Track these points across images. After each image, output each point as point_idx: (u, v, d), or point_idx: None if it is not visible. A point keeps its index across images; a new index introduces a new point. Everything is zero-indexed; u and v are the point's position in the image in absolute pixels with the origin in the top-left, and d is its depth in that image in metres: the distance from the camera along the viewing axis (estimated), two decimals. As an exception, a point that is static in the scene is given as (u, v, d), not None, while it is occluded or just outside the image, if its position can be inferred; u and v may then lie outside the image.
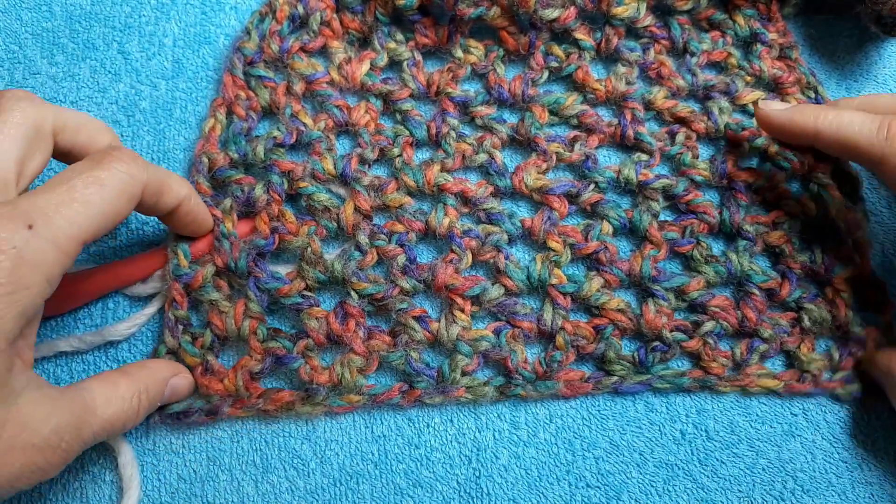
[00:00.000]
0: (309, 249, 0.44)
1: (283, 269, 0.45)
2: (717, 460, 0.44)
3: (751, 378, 0.44)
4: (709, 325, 0.44)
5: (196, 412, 0.42)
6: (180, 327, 0.43)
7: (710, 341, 0.44)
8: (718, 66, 0.51)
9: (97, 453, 0.43)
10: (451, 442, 0.44)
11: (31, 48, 0.51)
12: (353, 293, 0.43)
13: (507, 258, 0.45)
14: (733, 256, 0.45)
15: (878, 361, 0.43)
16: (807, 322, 0.44)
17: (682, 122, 0.49)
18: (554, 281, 0.44)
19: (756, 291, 0.44)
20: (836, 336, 0.45)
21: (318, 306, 0.43)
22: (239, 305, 0.43)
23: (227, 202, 0.45)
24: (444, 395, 0.43)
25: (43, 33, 0.51)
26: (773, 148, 0.47)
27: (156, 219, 0.47)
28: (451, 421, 0.44)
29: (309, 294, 0.44)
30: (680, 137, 0.48)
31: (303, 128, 0.47)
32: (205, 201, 0.44)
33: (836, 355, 0.44)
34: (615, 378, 0.43)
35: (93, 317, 0.45)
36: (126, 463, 0.41)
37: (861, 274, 0.45)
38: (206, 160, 0.46)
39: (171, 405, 0.42)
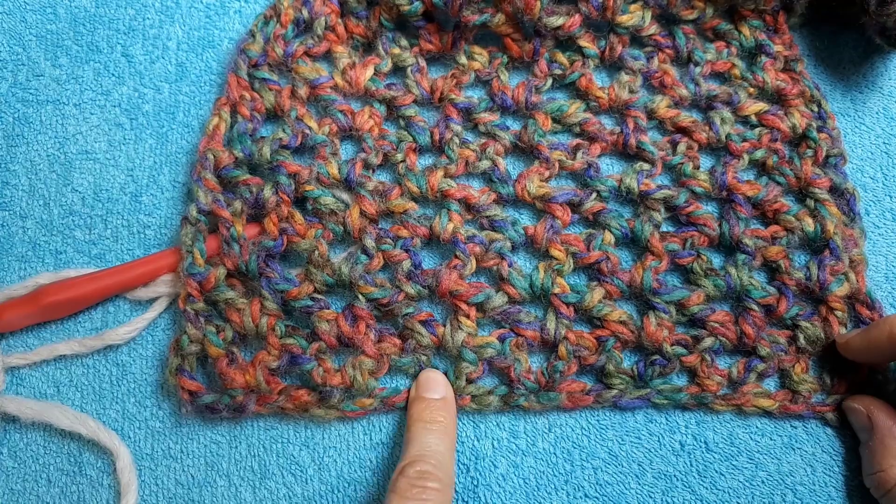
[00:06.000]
0: (316, 252, 0.44)
1: (292, 272, 0.45)
2: (716, 472, 0.44)
3: (747, 397, 0.43)
4: (708, 342, 0.44)
5: (224, 408, 0.41)
6: (202, 319, 0.43)
7: (708, 357, 0.44)
8: (722, 77, 0.51)
9: (95, 457, 0.43)
10: (449, 450, 0.44)
11: (35, 50, 0.51)
12: (360, 296, 0.43)
13: (510, 265, 0.45)
14: (732, 270, 0.44)
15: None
16: (802, 341, 0.44)
17: (684, 131, 0.48)
18: (556, 290, 0.44)
19: (755, 307, 0.44)
20: (828, 356, 0.44)
21: (328, 309, 0.43)
22: (255, 303, 0.43)
23: (238, 205, 0.44)
24: None
25: (47, 35, 0.51)
26: (771, 161, 0.47)
27: (157, 223, 0.47)
28: (450, 429, 0.44)
29: (319, 297, 0.44)
30: (681, 147, 0.48)
31: (308, 131, 0.47)
32: (214, 199, 0.44)
33: (828, 380, 0.44)
34: (615, 392, 0.43)
35: (93, 320, 0.45)
36: (124, 467, 0.41)
37: (855, 292, 0.45)
38: (211, 157, 0.46)
39: (201, 396, 0.41)
